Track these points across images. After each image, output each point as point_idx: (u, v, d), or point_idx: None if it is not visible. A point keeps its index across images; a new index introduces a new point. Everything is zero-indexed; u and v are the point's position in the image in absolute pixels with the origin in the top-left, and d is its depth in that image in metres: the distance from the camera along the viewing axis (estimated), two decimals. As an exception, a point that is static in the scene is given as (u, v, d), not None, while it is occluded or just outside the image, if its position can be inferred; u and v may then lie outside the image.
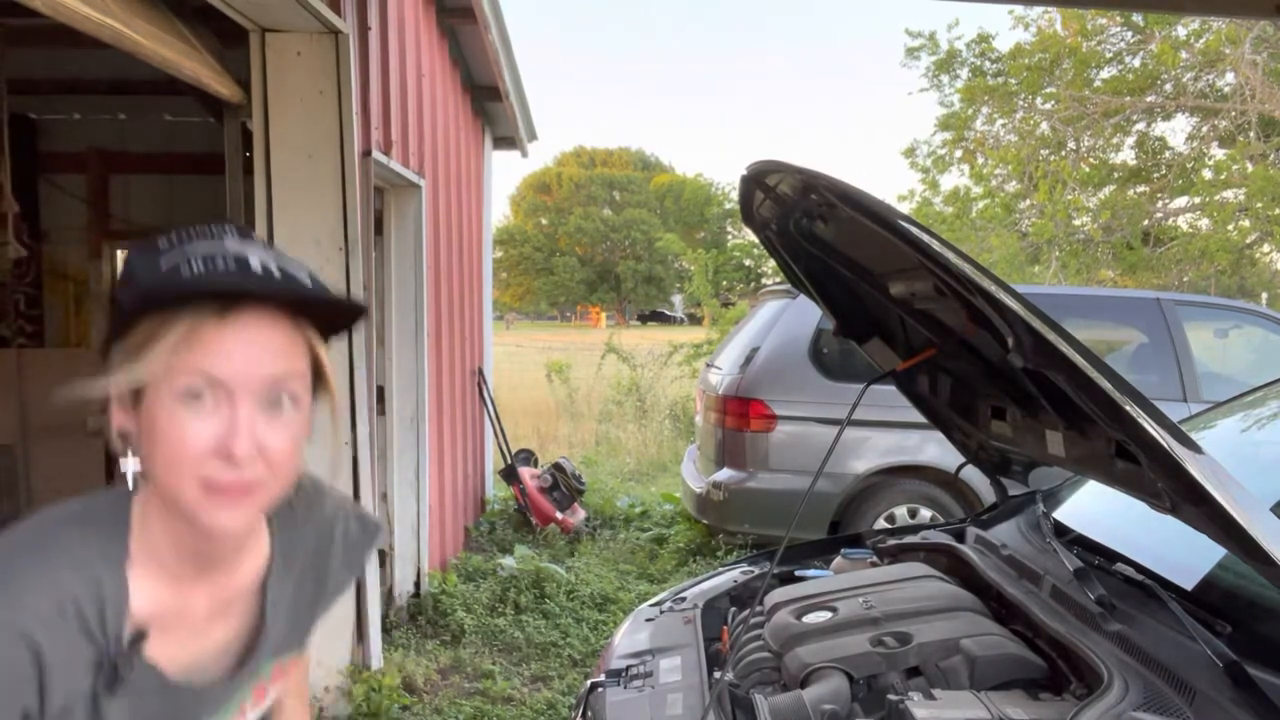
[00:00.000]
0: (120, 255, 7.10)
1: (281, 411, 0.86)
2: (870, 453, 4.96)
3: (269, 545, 1.01)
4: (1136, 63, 12.92)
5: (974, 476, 3.81)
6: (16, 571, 0.86)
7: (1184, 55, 11.99)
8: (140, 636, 0.87)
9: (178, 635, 0.92)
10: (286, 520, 1.04)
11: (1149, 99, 12.69)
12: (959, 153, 14.71)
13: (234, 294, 0.83)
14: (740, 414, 5.13)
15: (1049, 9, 12.71)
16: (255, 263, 0.84)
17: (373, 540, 1.19)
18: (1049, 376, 1.35)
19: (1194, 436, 1.18)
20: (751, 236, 5.55)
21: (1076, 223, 12.47)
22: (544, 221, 56.72)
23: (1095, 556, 1.73)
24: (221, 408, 0.83)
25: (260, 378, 0.84)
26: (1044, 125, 13.59)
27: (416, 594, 4.60)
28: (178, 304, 0.82)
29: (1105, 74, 13.15)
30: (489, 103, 6.74)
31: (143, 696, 0.89)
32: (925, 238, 1.29)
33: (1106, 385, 1.20)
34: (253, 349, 0.84)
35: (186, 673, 0.93)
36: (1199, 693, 1.26)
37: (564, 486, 6.39)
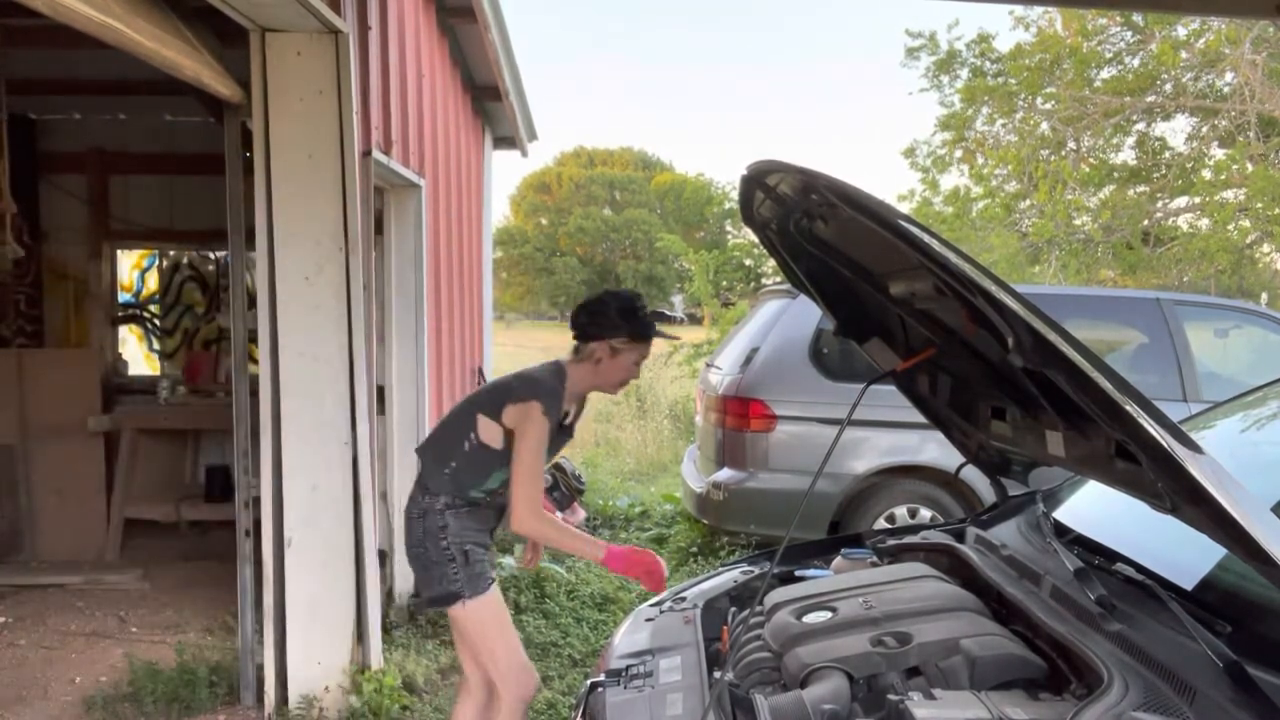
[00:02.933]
0: (120, 254, 7.11)
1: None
2: (870, 453, 4.96)
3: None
4: (1136, 63, 12.92)
5: (974, 476, 3.81)
6: (537, 381, 2.58)
7: (1184, 55, 11.99)
8: (566, 415, 2.67)
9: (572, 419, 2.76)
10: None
11: (1149, 99, 12.69)
12: (959, 153, 14.71)
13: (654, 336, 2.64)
14: (740, 414, 5.13)
15: (1049, 9, 12.71)
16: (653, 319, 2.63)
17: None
18: (1049, 376, 1.35)
19: (1194, 436, 1.17)
20: (751, 236, 5.55)
21: (1076, 223, 12.47)
22: (544, 221, 56.70)
23: (1095, 556, 1.73)
24: (637, 365, 2.63)
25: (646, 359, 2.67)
26: (1044, 125, 13.58)
27: (416, 594, 4.59)
28: (648, 336, 2.60)
29: (1105, 74, 13.15)
30: (489, 102, 6.74)
31: (559, 432, 2.63)
32: (925, 238, 1.29)
33: (1106, 385, 1.20)
34: (650, 350, 2.66)
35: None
36: (1199, 693, 1.26)
37: (564, 486, 6.39)
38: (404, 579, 4.53)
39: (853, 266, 1.89)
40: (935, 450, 4.76)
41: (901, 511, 5.01)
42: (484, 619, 2.59)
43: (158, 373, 7.07)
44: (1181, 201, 13.08)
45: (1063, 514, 2.07)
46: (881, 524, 4.95)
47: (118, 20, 2.62)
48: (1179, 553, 1.68)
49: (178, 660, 3.72)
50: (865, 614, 1.70)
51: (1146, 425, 1.17)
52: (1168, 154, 13.60)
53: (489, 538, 2.66)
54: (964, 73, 14.22)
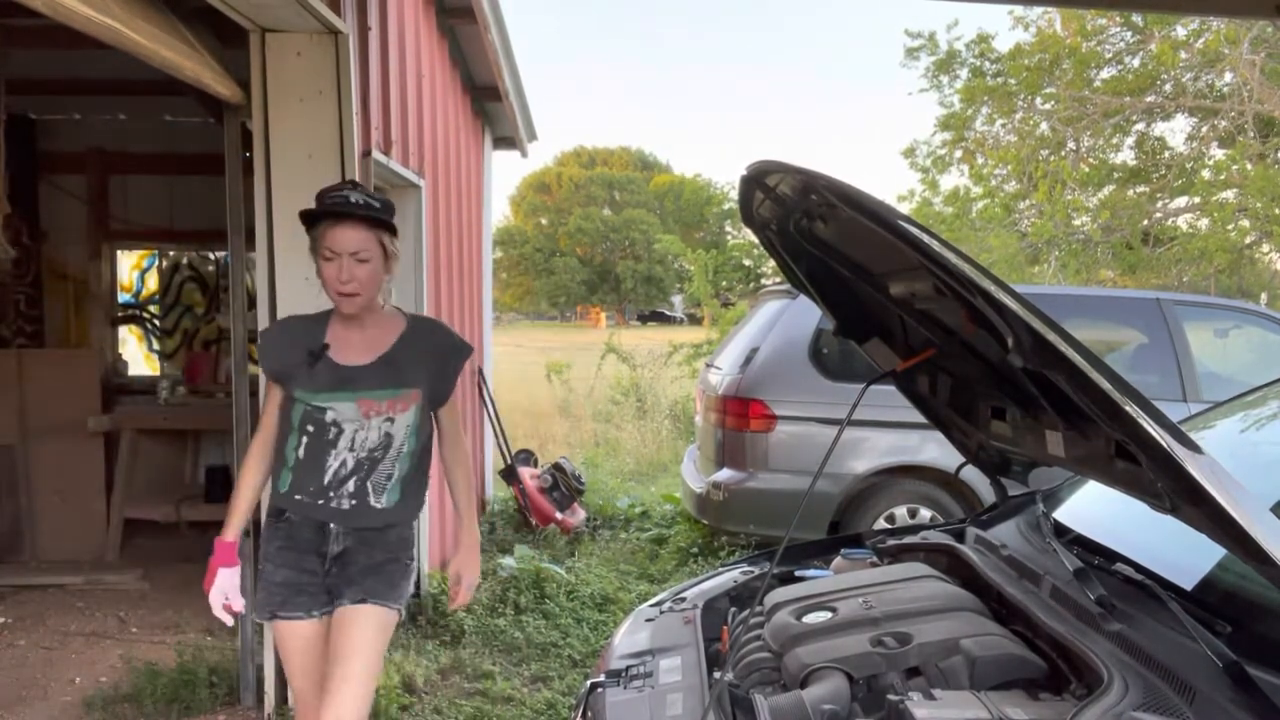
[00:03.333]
0: (120, 254, 7.11)
1: (363, 262, 2.18)
2: (870, 453, 4.96)
3: (402, 329, 2.33)
4: (1136, 63, 12.91)
5: (974, 476, 3.81)
6: (290, 322, 2.41)
7: (1183, 55, 11.98)
8: (325, 346, 2.26)
9: (344, 348, 2.28)
10: (415, 323, 2.39)
11: (1148, 99, 12.69)
12: (959, 153, 14.71)
13: (337, 214, 2.18)
14: (740, 414, 5.13)
15: (1049, 9, 12.71)
16: (354, 199, 2.18)
17: (465, 350, 2.44)
18: (1049, 376, 1.35)
19: (1194, 436, 1.18)
20: (751, 236, 5.56)
21: (1076, 223, 12.47)
22: (544, 221, 56.73)
23: (1095, 556, 1.73)
24: (336, 260, 2.17)
25: (350, 249, 2.17)
26: (1044, 125, 13.59)
27: (416, 594, 4.59)
28: (321, 220, 2.19)
29: (1105, 74, 13.15)
30: (489, 103, 6.74)
31: (325, 370, 2.23)
32: (925, 238, 1.29)
33: (1106, 385, 1.20)
34: (346, 237, 2.17)
35: (346, 362, 2.25)
36: (1199, 693, 1.26)
37: (564, 487, 6.39)
38: (404, 579, 4.52)
39: (852, 267, 1.89)
40: (935, 450, 4.76)
41: (901, 511, 5.01)
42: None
43: (158, 373, 7.06)
44: (1181, 201, 13.08)
45: (1063, 514, 2.07)
46: (881, 524, 4.95)
47: (118, 20, 2.62)
48: (1179, 553, 1.69)
49: (177, 661, 3.72)
50: (865, 614, 1.70)
51: (1146, 425, 1.17)
52: (1167, 154, 13.60)
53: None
54: (964, 73, 14.22)
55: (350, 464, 2.23)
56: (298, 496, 2.24)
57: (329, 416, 2.20)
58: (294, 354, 2.24)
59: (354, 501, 2.24)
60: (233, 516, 2.29)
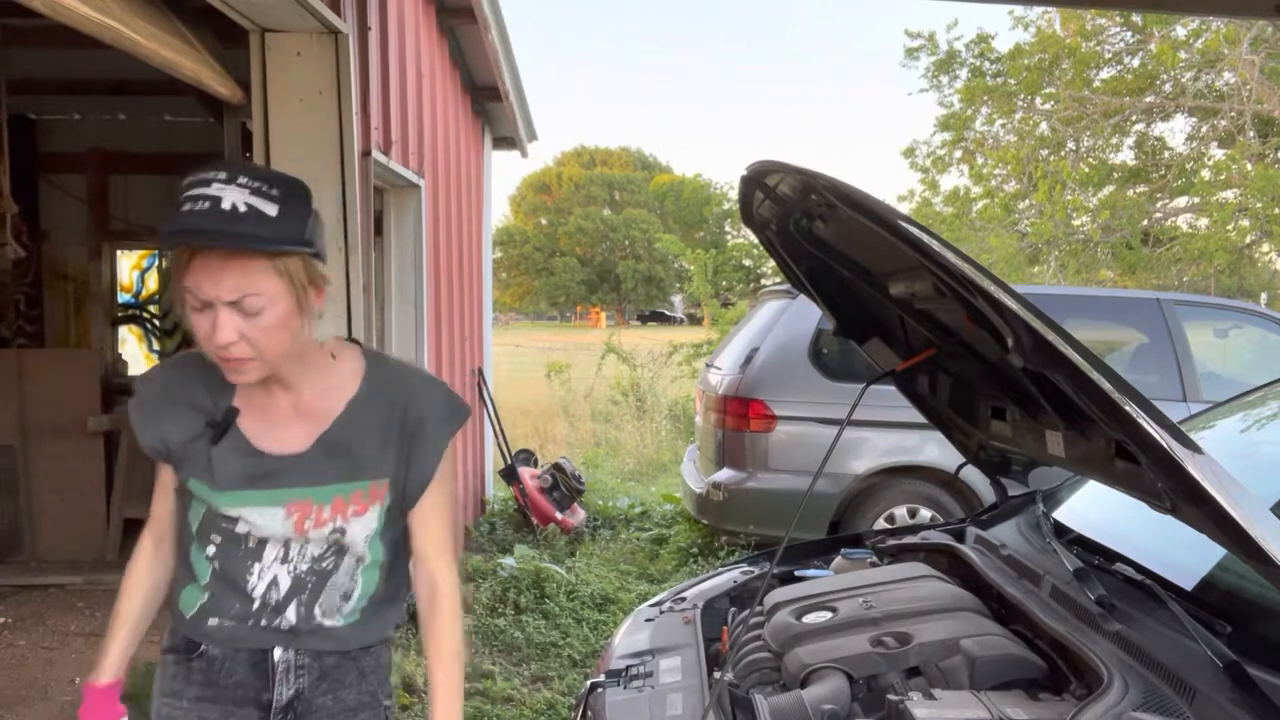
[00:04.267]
0: (120, 254, 7.11)
1: (251, 315, 1.27)
2: (870, 453, 4.96)
3: (358, 386, 1.46)
4: (1136, 63, 12.92)
5: (974, 476, 3.81)
6: (165, 370, 1.51)
7: (1183, 55, 11.99)
8: (233, 412, 1.42)
9: (263, 418, 1.43)
10: (374, 375, 1.48)
11: (1148, 99, 12.70)
12: (958, 153, 14.72)
13: (190, 240, 1.25)
14: (740, 414, 5.13)
15: (1049, 9, 12.71)
16: (226, 203, 1.22)
17: (457, 416, 1.50)
18: (1049, 376, 1.35)
19: (1194, 436, 1.18)
20: (751, 236, 5.56)
21: (1076, 223, 12.48)
22: (544, 221, 56.73)
23: (1095, 556, 1.73)
24: (206, 312, 1.27)
25: (224, 296, 1.25)
26: (1043, 125, 13.60)
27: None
28: (172, 244, 1.25)
29: (1105, 74, 13.16)
30: (489, 103, 6.74)
31: (235, 453, 1.40)
32: (925, 238, 1.29)
33: (1106, 385, 1.20)
34: (215, 276, 1.24)
35: (267, 445, 1.42)
36: (1199, 693, 1.26)
37: (564, 487, 6.39)
38: (404, 579, 4.53)
39: (852, 267, 1.89)
40: (935, 450, 4.76)
41: (901, 511, 5.01)
42: None
43: (157, 373, 7.06)
44: (1181, 201, 13.08)
45: (1063, 514, 2.07)
46: (881, 524, 4.95)
47: (117, 20, 2.62)
48: (1179, 553, 1.69)
49: (178, 660, 3.72)
50: (865, 614, 1.70)
51: (1146, 425, 1.17)
52: (1167, 154, 13.61)
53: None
54: (963, 73, 14.23)
55: (285, 583, 1.43)
56: (214, 621, 1.44)
57: (240, 528, 1.41)
58: (183, 423, 1.41)
59: (299, 623, 1.45)
60: (110, 647, 1.54)
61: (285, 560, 1.44)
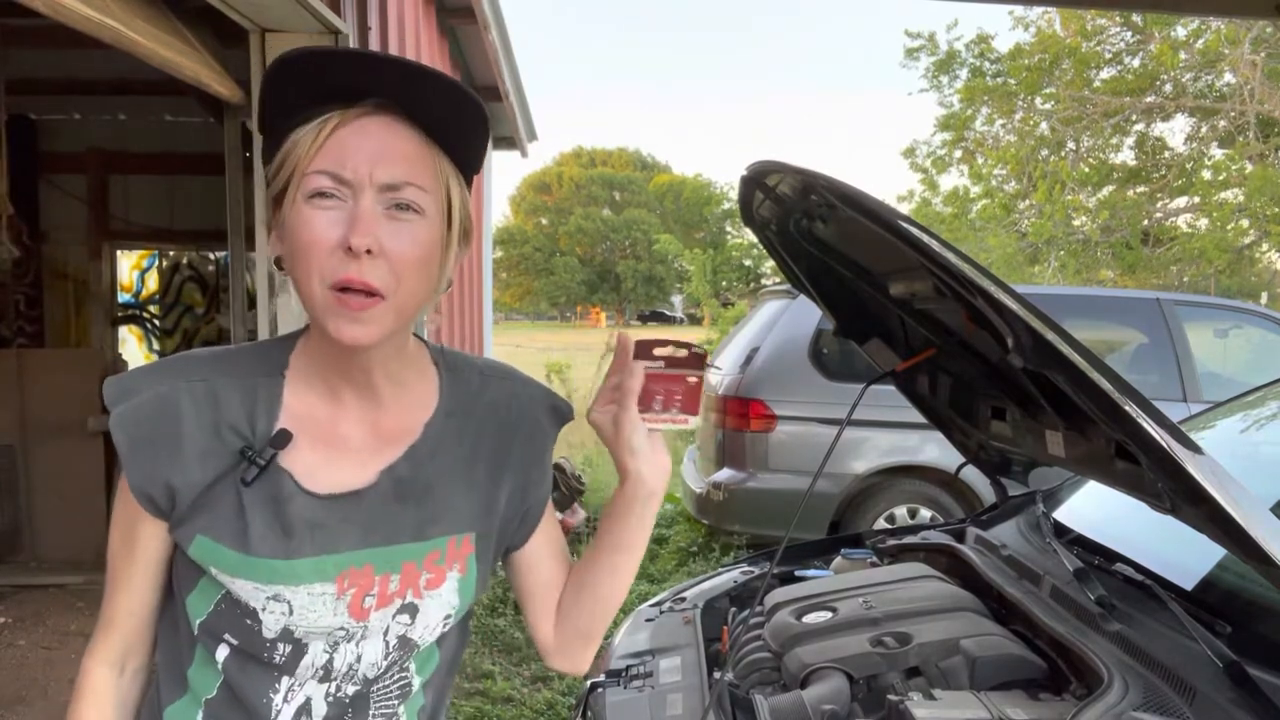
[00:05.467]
0: (120, 254, 7.11)
1: (405, 218, 0.86)
2: (870, 453, 4.96)
3: (436, 402, 1.01)
4: (1136, 63, 12.93)
5: (974, 476, 3.81)
6: (193, 368, 0.93)
7: (1183, 55, 11.99)
8: (284, 437, 0.91)
9: (325, 451, 0.94)
10: (456, 380, 1.03)
11: (1148, 99, 12.70)
12: (958, 153, 14.72)
13: (353, 93, 0.86)
14: (740, 414, 5.13)
15: (1048, 9, 12.71)
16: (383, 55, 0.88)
17: (560, 422, 1.10)
18: (1049, 376, 1.35)
19: (1194, 436, 1.18)
20: (751, 236, 5.56)
21: (1076, 223, 12.48)
22: (544, 221, 56.74)
23: (1095, 556, 1.73)
24: (347, 204, 0.84)
25: (380, 176, 0.85)
26: (1043, 125, 13.60)
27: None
28: (308, 109, 0.85)
29: (1105, 74, 13.17)
30: (489, 103, 6.74)
31: (274, 501, 0.90)
32: (925, 238, 1.29)
33: (1106, 385, 1.20)
34: (375, 146, 0.85)
35: (320, 484, 0.92)
36: (1199, 693, 1.26)
37: (564, 487, 6.39)
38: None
39: (852, 267, 1.89)
40: (935, 450, 4.76)
41: (901, 511, 5.01)
42: None
43: (157, 373, 7.06)
44: (1181, 201, 13.09)
45: (1063, 514, 2.07)
46: (881, 524, 4.95)
47: (117, 20, 2.62)
48: (1179, 553, 1.69)
49: (178, 660, 3.72)
50: (865, 614, 1.70)
51: (1146, 425, 1.17)
52: (1167, 154, 13.62)
53: None
54: (963, 73, 14.24)
55: (320, 712, 0.95)
56: None
57: (268, 624, 0.91)
58: (200, 455, 0.90)
59: None
60: None
61: (328, 676, 0.94)
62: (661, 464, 1.01)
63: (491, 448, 1.02)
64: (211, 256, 7.27)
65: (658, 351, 0.98)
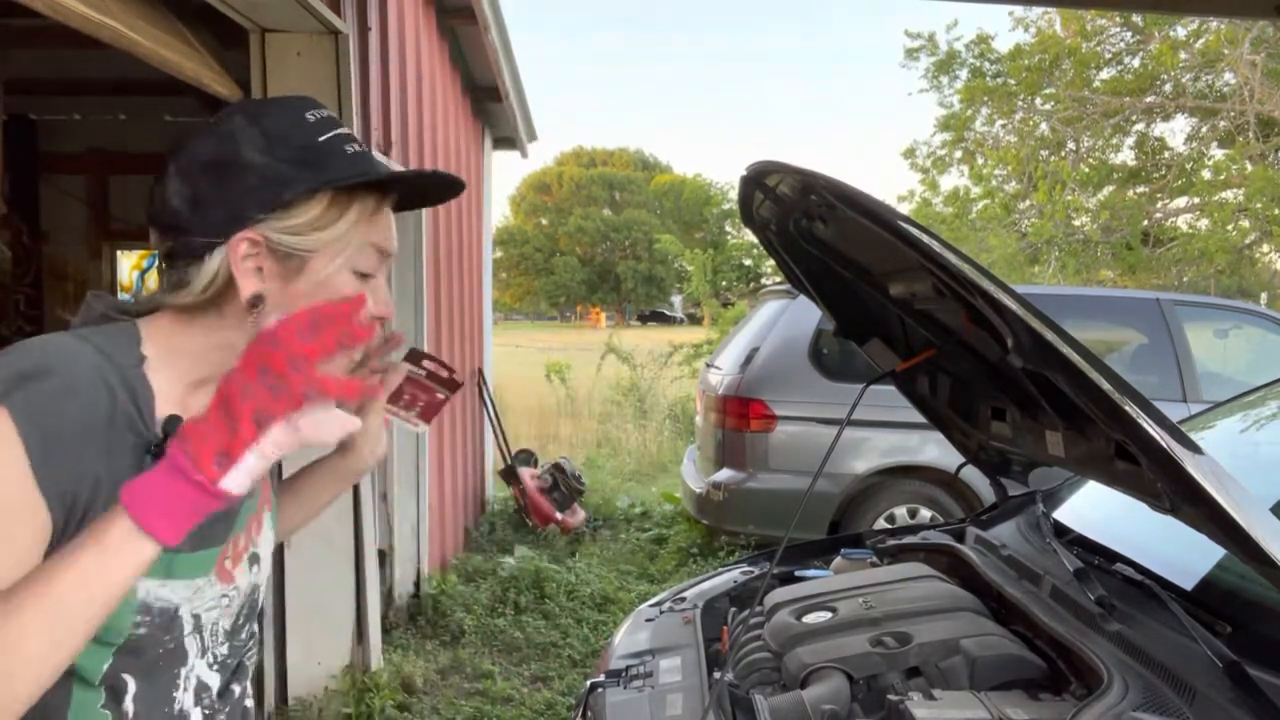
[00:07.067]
0: (120, 254, 7.11)
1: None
2: (870, 453, 4.96)
3: None
4: (1136, 63, 12.93)
5: (974, 476, 3.81)
6: (52, 354, 0.85)
7: (1183, 56, 12.00)
8: (174, 422, 0.89)
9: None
10: None
11: (1148, 99, 12.70)
12: (958, 153, 14.72)
13: (388, 183, 0.98)
14: (740, 414, 5.13)
15: (1049, 9, 12.72)
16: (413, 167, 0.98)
17: None
18: (1048, 377, 1.35)
19: (1194, 436, 1.18)
20: (751, 236, 5.56)
21: (1076, 223, 12.48)
22: (544, 221, 56.72)
23: (1095, 556, 1.73)
24: (368, 280, 0.97)
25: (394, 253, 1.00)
26: (1043, 126, 13.60)
27: (416, 594, 4.60)
28: (360, 188, 0.95)
29: (1105, 74, 13.17)
30: (489, 103, 6.74)
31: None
32: (925, 238, 1.29)
33: (1106, 385, 1.20)
34: (392, 231, 1.00)
35: None
36: (1199, 693, 1.26)
37: (564, 487, 6.39)
38: (404, 579, 4.53)
39: (852, 267, 1.89)
40: (935, 450, 4.76)
41: (901, 511, 5.01)
42: None
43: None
44: (1181, 202, 13.09)
45: (1063, 514, 2.07)
46: (881, 524, 4.95)
47: (117, 20, 2.62)
48: (1179, 553, 1.69)
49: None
50: (865, 614, 1.70)
51: (1146, 425, 1.17)
52: (1167, 154, 13.62)
53: None
54: (963, 73, 14.24)
55: (214, 684, 0.98)
56: None
57: (170, 627, 0.91)
58: (112, 448, 0.85)
59: None
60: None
61: (204, 649, 0.95)
62: (380, 450, 1.14)
63: None
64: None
65: (426, 363, 1.16)
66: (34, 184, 6.44)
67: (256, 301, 0.92)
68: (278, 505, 1.14)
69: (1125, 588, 1.59)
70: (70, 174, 6.62)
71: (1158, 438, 1.16)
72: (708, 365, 6.29)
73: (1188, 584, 1.59)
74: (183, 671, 0.94)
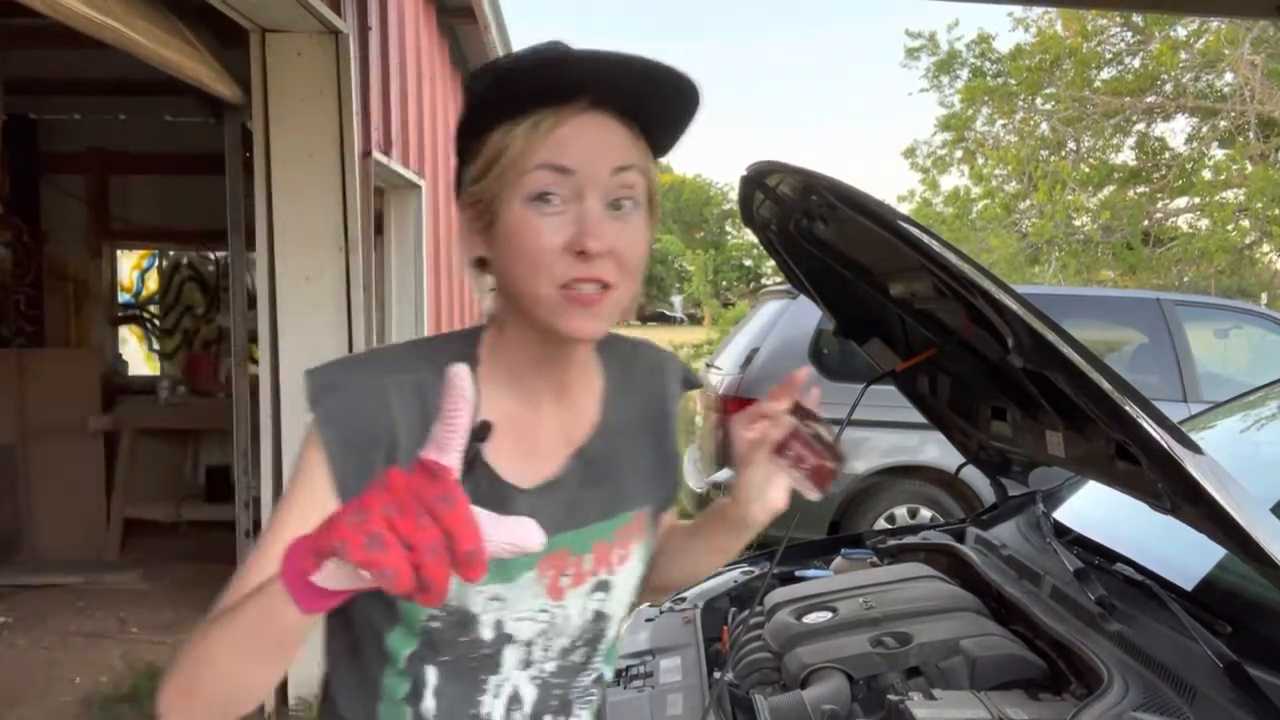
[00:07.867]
0: (120, 254, 7.11)
1: (625, 212, 0.85)
2: (870, 453, 4.96)
3: (603, 375, 1.00)
4: (1136, 63, 12.93)
5: (974, 476, 3.80)
6: (380, 360, 0.90)
7: (1183, 56, 12.00)
8: (486, 428, 0.85)
9: (517, 438, 0.91)
10: (611, 354, 1.01)
11: (1149, 99, 12.70)
12: (959, 153, 14.72)
13: (568, 88, 0.82)
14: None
15: (1049, 9, 12.72)
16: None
17: (688, 389, 1.11)
18: (1049, 376, 1.35)
19: (1194, 436, 1.17)
20: (751, 236, 5.56)
21: (1076, 223, 12.48)
22: (544, 221, 56.68)
23: (1095, 556, 1.73)
24: (570, 206, 0.82)
25: (606, 169, 0.83)
26: (1044, 125, 13.61)
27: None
28: (518, 110, 0.82)
29: (1105, 74, 13.17)
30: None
31: (495, 498, 0.84)
32: (925, 238, 1.29)
33: (1106, 385, 1.20)
34: (595, 139, 0.83)
35: (519, 477, 0.90)
36: (1199, 693, 1.26)
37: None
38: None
39: (853, 267, 1.88)
40: (935, 450, 4.75)
41: (901, 511, 5.01)
42: None
43: (157, 373, 7.06)
44: (1181, 202, 13.09)
45: (1063, 514, 2.07)
46: (881, 524, 4.95)
47: (117, 20, 2.62)
48: (1179, 553, 1.68)
49: (178, 660, 3.72)
50: (865, 614, 1.70)
51: (1146, 425, 1.17)
52: (1167, 154, 13.62)
53: None
54: (964, 73, 14.24)
55: (529, 697, 0.95)
56: None
57: (482, 628, 0.90)
58: (412, 454, 0.70)
59: None
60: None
61: (528, 662, 0.93)
62: (771, 505, 1.00)
63: (650, 417, 1.04)
64: (211, 256, 7.26)
65: (816, 424, 1.03)
66: (34, 184, 6.43)
67: (481, 266, 0.90)
68: (664, 548, 1.09)
69: (1125, 588, 1.59)
70: (70, 174, 6.60)
71: (1158, 438, 1.16)
72: (708, 365, 6.29)
73: (1188, 584, 1.59)
74: (493, 680, 0.92)
